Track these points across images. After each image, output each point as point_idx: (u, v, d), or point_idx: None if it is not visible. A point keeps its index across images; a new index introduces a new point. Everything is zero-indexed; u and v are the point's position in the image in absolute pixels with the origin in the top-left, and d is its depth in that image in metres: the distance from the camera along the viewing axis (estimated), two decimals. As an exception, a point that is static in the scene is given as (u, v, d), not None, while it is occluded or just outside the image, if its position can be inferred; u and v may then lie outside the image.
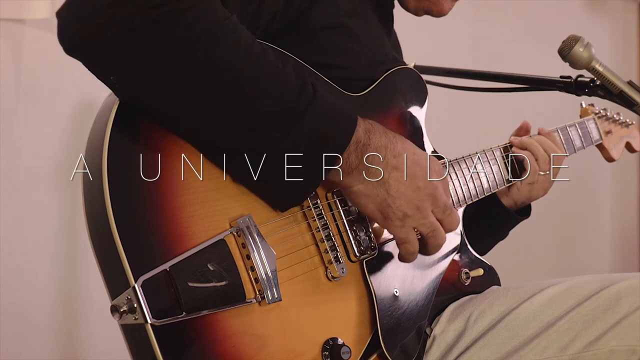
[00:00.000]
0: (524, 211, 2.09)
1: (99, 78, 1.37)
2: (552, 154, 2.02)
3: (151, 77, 1.34)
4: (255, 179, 1.43)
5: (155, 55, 1.32)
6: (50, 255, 2.57)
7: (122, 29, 1.30)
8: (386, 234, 1.65)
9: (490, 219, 2.05)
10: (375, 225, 1.64)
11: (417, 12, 1.89)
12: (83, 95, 2.56)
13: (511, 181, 1.97)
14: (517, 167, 1.99)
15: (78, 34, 1.33)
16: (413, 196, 1.50)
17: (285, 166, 1.41)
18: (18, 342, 2.49)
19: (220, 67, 1.35)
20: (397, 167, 1.50)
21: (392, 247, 1.66)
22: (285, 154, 1.40)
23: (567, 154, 2.15)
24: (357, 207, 1.53)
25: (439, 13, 1.87)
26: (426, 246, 1.56)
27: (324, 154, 1.43)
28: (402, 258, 1.56)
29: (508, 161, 1.97)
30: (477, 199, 1.89)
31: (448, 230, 1.56)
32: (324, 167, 1.44)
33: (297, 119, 1.40)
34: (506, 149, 1.99)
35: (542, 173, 2.00)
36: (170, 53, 1.33)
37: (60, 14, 1.35)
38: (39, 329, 2.54)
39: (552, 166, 2.02)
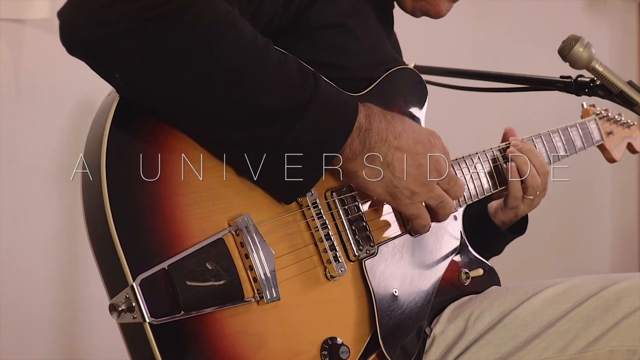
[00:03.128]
0: (521, 226, 2.05)
1: (102, 77, 1.37)
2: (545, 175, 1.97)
3: (155, 73, 1.35)
4: (259, 171, 1.44)
5: (158, 52, 1.33)
6: (50, 255, 2.58)
7: (124, 28, 1.30)
8: (386, 234, 1.66)
9: (484, 238, 2.01)
10: (375, 224, 1.64)
11: (414, 13, 1.89)
12: (83, 95, 2.57)
13: (491, 191, 1.94)
14: (496, 179, 1.95)
15: (81, 34, 1.33)
16: (417, 173, 1.55)
17: (289, 158, 1.42)
18: (18, 342, 2.49)
19: (223, 62, 1.36)
20: (399, 147, 1.53)
21: (391, 247, 1.66)
22: (289, 146, 1.41)
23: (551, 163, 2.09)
24: (364, 191, 1.57)
25: (436, 14, 1.86)
26: (437, 217, 1.63)
27: (327, 143, 1.45)
28: (415, 231, 1.64)
29: (493, 171, 1.94)
30: (477, 199, 1.88)
31: (454, 197, 1.63)
32: (327, 156, 1.46)
33: (301, 112, 1.41)
34: (506, 149, 1.97)
35: (529, 197, 1.94)
36: (173, 49, 1.33)
37: (61, 13, 1.35)
38: (39, 329, 2.55)
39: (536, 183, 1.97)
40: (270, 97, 1.40)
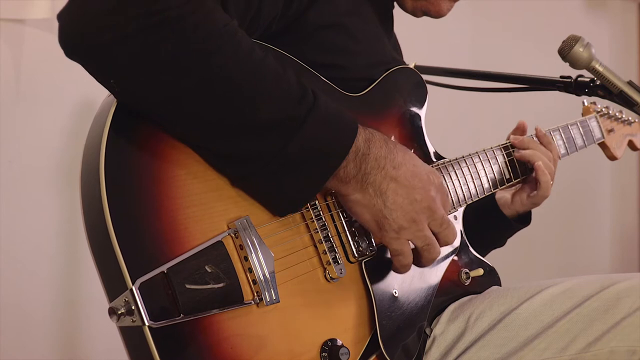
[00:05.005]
0: (524, 218, 2.08)
1: (99, 81, 1.37)
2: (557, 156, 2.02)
3: (151, 82, 1.34)
4: (252, 185, 1.43)
5: (155, 61, 1.32)
6: (50, 255, 2.58)
7: (123, 34, 1.30)
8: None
9: (491, 229, 2.03)
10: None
11: (415, 13, 1.89)
12: (83, 95, 2.57)
13: (511, 181, 1.96)
14: (518, 168, 1.98)
15: (79, 38, 1.32)
16: (409, 208, 1.50)
17: (284, 173, 1.41)
18: (18, 342, 2.49)
19: (220, 74, 1.35)
20: (395, 178, 1.49)
21: (391, 248, 1.66)
22: (284, 162, 1.40)
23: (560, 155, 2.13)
24: (352, 215, 1.54)
25: (436, 13, 1.86)
26: (420, 259, 1.56)
27: (322, 163, 1.43)
28: (395, 269, 1.57)
29: (508, 161, 1.96)
30: (477, 198, 1.88)
31: (444, 244, 1.56)
32: (321, 176, 1.44)
33: (297, 127, 1.39)
34: (506, 147, 1.98)
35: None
36: (170, 59, 1.32)
37: (61, 17, 1.34)
38: (39, 329, 2.55)
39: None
40: (266, 109, 1.38)
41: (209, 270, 1.35)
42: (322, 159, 1.43)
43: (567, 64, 1.92)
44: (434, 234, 1.54)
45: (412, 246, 1.55)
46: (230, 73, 1.35)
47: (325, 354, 1.48)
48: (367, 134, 1.48)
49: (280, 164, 1.39)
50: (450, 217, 1.75)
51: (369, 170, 1.46)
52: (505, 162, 1.96)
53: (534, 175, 1.97)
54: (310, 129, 1.40)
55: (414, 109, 1.84)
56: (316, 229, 1.53)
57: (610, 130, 2.36)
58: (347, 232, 1.58)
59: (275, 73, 1.41)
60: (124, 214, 1.30)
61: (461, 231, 1.85)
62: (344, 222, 1.58)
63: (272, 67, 1.41)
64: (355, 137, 1.45)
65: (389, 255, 1.64)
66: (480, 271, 1.86)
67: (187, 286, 1.32)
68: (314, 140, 1.41)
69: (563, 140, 2.14)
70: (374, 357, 1.58)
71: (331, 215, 1.57)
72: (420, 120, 1.85)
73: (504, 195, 2.05)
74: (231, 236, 1.41)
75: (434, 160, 1.84)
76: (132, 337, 1.33)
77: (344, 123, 1.46)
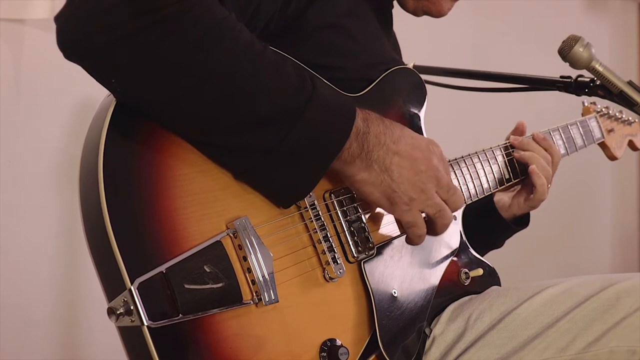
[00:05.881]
0: (522, 220, 2.08)
1: (99, 81, 1.37)
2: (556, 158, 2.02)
3: (152, 80, 1.34)
4: (256, 177, 1.44)
5: (155, 59, 1.32)
6: (50, 255, 2.58)
7: (121, 34, 1.30)
8: (385, 235, 1.65)
9: (489, 231, 2.04)
10: (374, 225, 1.64)
11: (416, 13, 1.88)
12: (83, 95, 2.57)
13: (510, 181, 1.96)
14: (517, 168, 1.97)
15: (78, 39, 1.33)
16: (416, 179, 1.52)
17: (287, 162, 1.42)
18: (18, 342, 2.49)
19: (220, 68, 1.35)
20: (397, 152, 1.51)
21: (390, 248, 1.66)
22: (287, 150, 1.41)
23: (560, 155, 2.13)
24: (361, 195, 1.55)
25: (438, 13, 1.86)
26: (434, 226, 1.58)
27: (325, 147, 1.45)
28: (410, 241, 1.59)
29: (507, 161, 1.96)
30: (477, 198, 1.88)
31: (454, 209, 1.59)
32: (325, 161, 1.46)
33: (298, 117, 1.41)
34: (506, 148, 1.98)
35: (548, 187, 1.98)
36: (170, 56, 1.33)
37: (58, 18, 1.34)
38: (39, 329, 2.55)
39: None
40: (267, 101, 1.39)
41: (207, 270, 1.35)
42: (324, 144, 1.45)
43: (567, 64, 1.92)
44: (443, 200, 1.57)
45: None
46: (230, 67, 1.36)
47: (325, 354, 1.48)
48: (364, 114, 1.50)
49: (283, 153, 1.41)
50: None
51: (371, 148, 1.49)
52: (505, 162, 1.96)
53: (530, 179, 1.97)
54: (310, 116, 1.41)
55: (413, 110, 1.83)
56: (315, 228, 1.53)
57: (610, 130, 2.36)
58: (346, 232, 1.58)
59: (275, 64, 1.42)
60: (122, 213, 1.31)
61: (461, 231, 1.85)
62: (342, 222, 1.58)
63: (271, 58, 1.42)
64: (355, 118, 1.47)
65: (388, 255, 1.64)
66: (480, 271, 1.86)
67: (186, 286, 1.32)
68: (315, 127, 1.42)
69: (563, 140, 2.14)
70: (373, 357, 1.58)
71: (330, 215, 1.57)
72: (420, 120, 1.85)
73: (502, 198, 2.05)
74: (230, 236, 1.41)
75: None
76: (131, 337, 1.33)
77: (343, 107, 1.49)
